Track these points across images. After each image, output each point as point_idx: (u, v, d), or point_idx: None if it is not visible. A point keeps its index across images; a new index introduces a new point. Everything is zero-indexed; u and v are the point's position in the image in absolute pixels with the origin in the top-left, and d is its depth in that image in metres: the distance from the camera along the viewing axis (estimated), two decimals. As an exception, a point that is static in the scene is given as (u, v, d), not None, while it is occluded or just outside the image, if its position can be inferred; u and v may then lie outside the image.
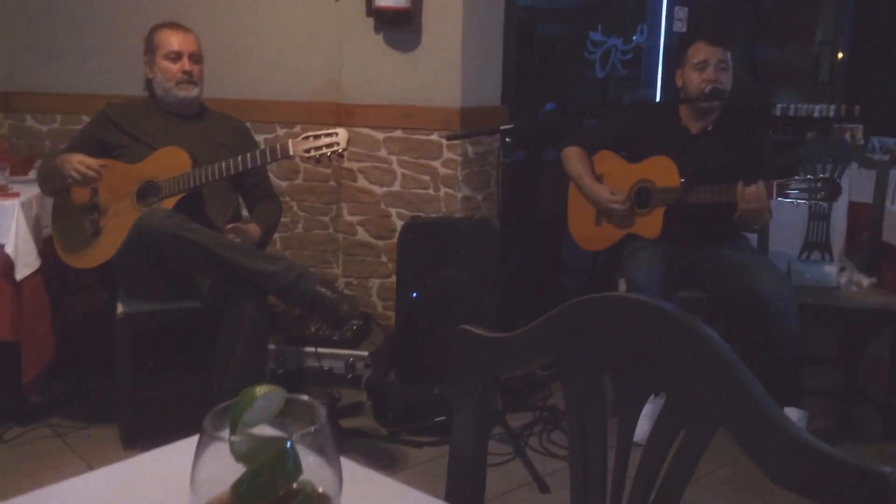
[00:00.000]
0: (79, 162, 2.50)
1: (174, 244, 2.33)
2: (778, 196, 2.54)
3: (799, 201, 2.51)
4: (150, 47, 2.71)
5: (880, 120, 4.60)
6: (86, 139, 2.72)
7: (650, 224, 2.79)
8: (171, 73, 2.67)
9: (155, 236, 2.34)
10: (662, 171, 2.76)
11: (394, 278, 3.20)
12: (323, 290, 2.39)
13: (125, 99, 2.83)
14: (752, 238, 2.95)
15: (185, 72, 2.67)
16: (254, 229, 2.70)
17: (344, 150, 2.49)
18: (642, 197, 2.83)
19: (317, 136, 2.48)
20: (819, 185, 2.48)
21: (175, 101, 2.71)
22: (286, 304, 2.58)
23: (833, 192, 2.49)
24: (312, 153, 2.47)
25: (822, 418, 2.88)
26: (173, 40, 2.68)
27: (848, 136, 4.02)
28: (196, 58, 2.71)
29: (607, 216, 2.90)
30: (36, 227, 2.70)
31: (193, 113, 2.78)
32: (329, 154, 2.47)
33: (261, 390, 0.61)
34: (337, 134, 2.48)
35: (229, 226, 2.61)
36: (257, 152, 2.53)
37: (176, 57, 2.67)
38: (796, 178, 2.51)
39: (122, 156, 2.65)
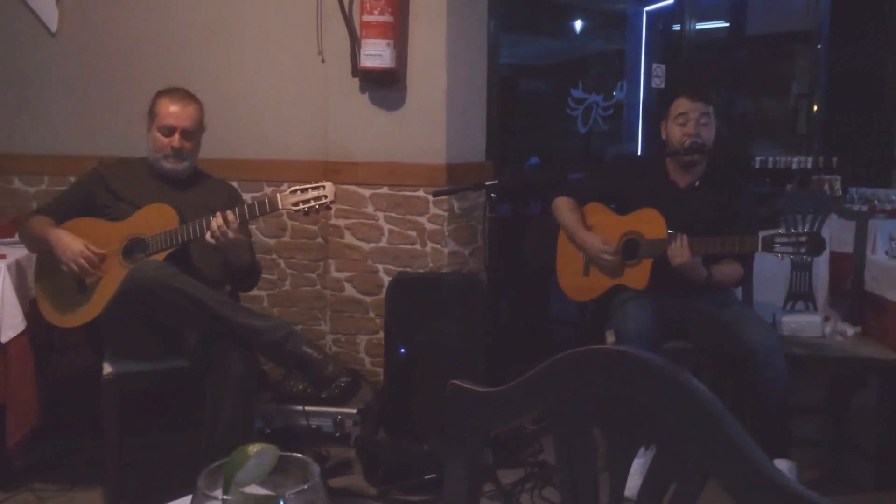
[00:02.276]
0: (80, 254, 2.49)
1: (166, 295, 2.33)
2: (763, 250, 2.57)
3: (783, 255, 2.54)
4: (151, 113, 2.71)
5: (857, 171, 4.70)
6: (74, 195, 2.73)
7: (638, 275, 2.81)
8: (160, 144, 2.67)
9: (147, 287, 2.34)
10: (650, 224, 2.79)
11: (382, 334, 3.20)
12: (309, 350, 2.40)
13: (116, 160, 2.84)
14: (737, 290, 2.98)
15: (173, 147, 2.66)
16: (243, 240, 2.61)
17: (331, 202, 2.51)
18: (630, 248, 2.85)
19: (304, 190, 2.51)
20: (803, 239, 2.51)
21: (162, 170, 2.72)
22: (271, 362, 2.57)
23: (817, 246, 2.52)
24: (301, 206, 2.49)
25: (812, 469, 2.86)
26: (171, 113, 2.66)
27: (827, 187, 4.09)
28: (189, 134, 2.68)
29: (596, 266, 2.92)
30: (22, 289, 2.68)
31: (184, 178, 2.78)
32: (317, 206, 2.49)
33: (254, 449, 0.61)
34: (324, 187, 2.51)
35: (228, 216, 2.47)
36: (245, 206, 2.54)
37: (169, 131, 2.66)
38: (780, 232, 2.54)
39: (108, 215, 2.66)
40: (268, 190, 3.52)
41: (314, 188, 2.50)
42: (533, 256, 3.54)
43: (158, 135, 2.67)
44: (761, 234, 2.57)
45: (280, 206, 2.50)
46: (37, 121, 3.68)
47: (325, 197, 2.49)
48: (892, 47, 5.15)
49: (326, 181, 2.57)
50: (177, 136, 2.66)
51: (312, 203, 2.48)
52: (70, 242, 2.51)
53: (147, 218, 2.59)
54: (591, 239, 2.89)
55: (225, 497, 0.58)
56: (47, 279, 2.65)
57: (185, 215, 2.59)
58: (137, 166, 2.78)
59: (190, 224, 2.52)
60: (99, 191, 2.70)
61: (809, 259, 3.02)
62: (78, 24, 3.62)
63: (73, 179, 3.59)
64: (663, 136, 2.94)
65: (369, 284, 3.42)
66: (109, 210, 2.66)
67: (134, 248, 2.58)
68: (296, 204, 2.49)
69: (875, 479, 2.82)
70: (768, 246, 2.54)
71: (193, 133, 2.71)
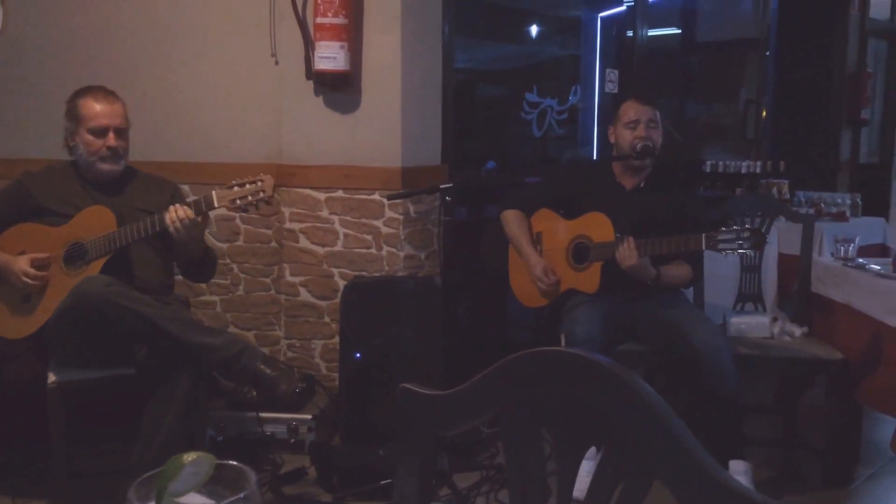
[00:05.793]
0: (24, 274, 2.45)
1: (114, 313, 2.27)
2: (707, 248, 2.61)
3: (727, 252, 2.58)
4: (74, 116, 2.58)
5: (804, 174, 4.81)
6: (1, 212, 2.60)
7: (588, 279, 2.83)
8: (95, 147, 2.56)
9: (95, 304, 2.27)
10: (598, 227, 2.82)
11: (337, 339, 3.17)
12: (263, 367, 2.36)
13: (42, 164, 2.73)
14: (689, 292, 3.02)
15: (109, 147, 2.56)
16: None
17: (269, 197, 2.43)
18: (580, 252, 2.87)
19: (241, 185, 2.44)
20: (745, 234, 2.56)
21: (98, 173, 2.62)
22: (225, 379, 2.52)
23: (758, 241, 2.57)
24: (238, 202, 2.42)
25: (763, 468, 2.91)
26: (100, 112, 2.55)
27: (775, 190, 4.18)
28: (121, 132, 2.59)
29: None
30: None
31: (115, 179, 2.66)
32: (255, 201, 2.42)
33: (189, 457, 0.59)
34: (262, 181, 2.43)
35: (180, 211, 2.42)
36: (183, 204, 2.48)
37: (101, 132, 2.56)
38: (723, 229, 2.58)
39: (41, 223, 2.57)
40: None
41: (251, 182, 2.43)
42: (489, 260, 3.53)
43: (90, 137, 2.56)
44: (705, 234, 2.60)
45: (216, 205, 2.41)
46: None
47: (263, 191, 2.42)
48: (836, 55, 5.29)
49: (281, 185, 2.51)
50: (111, 136, 2.56)
51: (250, 198, 2.41)
52: (13, 265, 2.45)
53: (85, 221, 2.51)
54: (534, 261, 2.91)
55: (159, 508, 0.56)
56: None
57: (123, 218, 2.51)
58: (64, 173, 2.66)
59: (127, 227, 2.45)
60: (26, 203, 2.58)
61: (756, 258, 3.07)
62: (22, 25, 3.53)
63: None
64: (611, 140, 2.98)
65: (324, 289, 3.39)
66: (40, 221, 2.57)
67: (74, 254, 2.50)
68: (232, 200, 2.42)
69: (824, 475, 2.87)
70: (712, 243, 2.58)
71: (125, 130, 2.61)
